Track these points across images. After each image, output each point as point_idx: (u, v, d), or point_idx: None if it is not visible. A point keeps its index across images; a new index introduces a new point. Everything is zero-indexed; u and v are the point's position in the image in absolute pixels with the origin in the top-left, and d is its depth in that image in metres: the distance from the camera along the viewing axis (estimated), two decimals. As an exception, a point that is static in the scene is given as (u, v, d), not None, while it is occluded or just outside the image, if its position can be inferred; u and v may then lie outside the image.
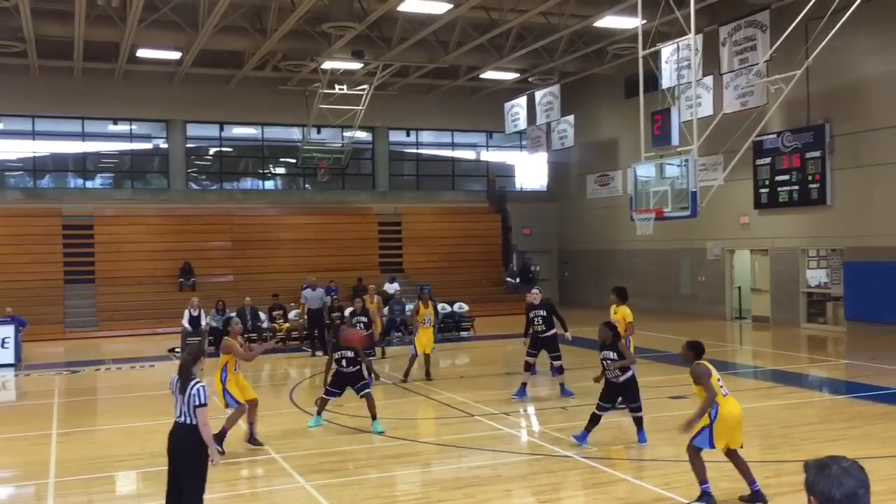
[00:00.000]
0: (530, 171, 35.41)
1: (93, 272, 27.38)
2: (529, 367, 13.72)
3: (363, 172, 33.32)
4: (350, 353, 11.16)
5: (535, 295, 13.82)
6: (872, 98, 20.56)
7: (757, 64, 19.42)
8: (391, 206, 31.95)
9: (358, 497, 8.24)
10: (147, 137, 31.09)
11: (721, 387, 7.75)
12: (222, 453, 9.16)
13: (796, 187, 22.51)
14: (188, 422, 6.74)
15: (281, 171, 33.06)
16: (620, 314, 12.48)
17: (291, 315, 22.45)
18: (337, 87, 27.47)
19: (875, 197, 20.49)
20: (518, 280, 30.16)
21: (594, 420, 10.04)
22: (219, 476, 9.08)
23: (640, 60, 18.91)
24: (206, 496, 8.33)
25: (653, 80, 20.53)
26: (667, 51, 20.72)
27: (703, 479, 7.68)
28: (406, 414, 12.52)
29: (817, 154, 21.82)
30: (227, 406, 10.31)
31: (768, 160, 23.21)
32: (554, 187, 34.86)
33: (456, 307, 24.12)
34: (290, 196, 31.98)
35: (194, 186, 31.20)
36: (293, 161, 31.60)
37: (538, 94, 28.46)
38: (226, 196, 30.94)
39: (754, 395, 13.66)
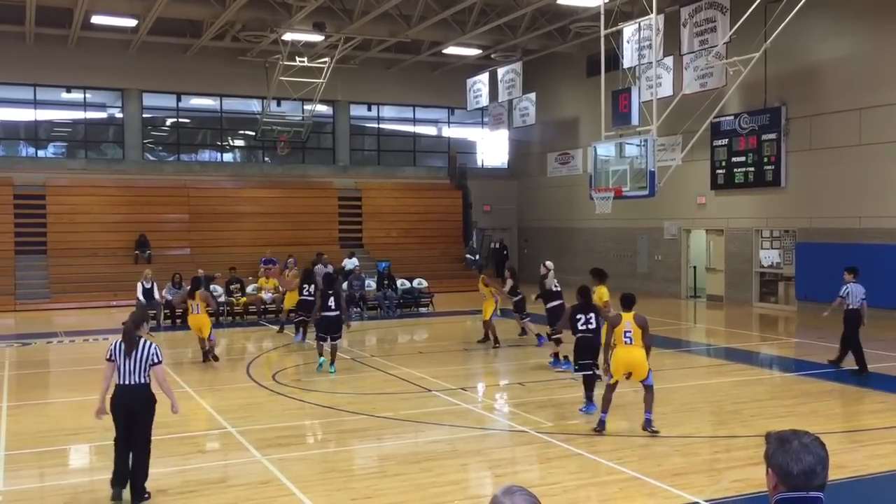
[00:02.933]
0: (491, 148, 35.44)
1: (45, 243, 26.83)
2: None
3: (323, 146, 33.04)
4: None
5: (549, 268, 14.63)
6: (827, 82, 20.91)
7: (716, 46, 19.60)
8: (351, 181, 31.76)
9: (314, 471, 8.25)
10: (102, 106, 30.43)
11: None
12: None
13: (752, 169, 22.86)
14: (142, 381, 7.21)
15: (240, 143, 32.62)
16: (598, 294, 12.70)
17: (250, 289, 22.27)
18: (297, 59, 27.12)
19: (827, 180, 20.90)
20: (477, 257, 30.28)
21: (589, 381, 10.57)
22: (174, 450, 9.04)
23: (602, 39, 18.99)
24: (161, 471, 8.30)
25: (614, 59, 20.65)
26: (628, 30, 20.83)
27: (603, 409, 9.50)
28: (364, 389, 12.54)
29: (773, 136, 22.16)
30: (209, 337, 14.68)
31: (725, 141, 23.52)
32: (515, 165, 34.94)
33: (415, 283, 24.15)
34: (249, 169, 31.61)
35: (150, 157, 30.66)
36: (252, 133, 31.19)
37: (500, 71, 28.43)
38: (183, 168, 30.46)
39: (707, 372, 13.94)
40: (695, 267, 26.13)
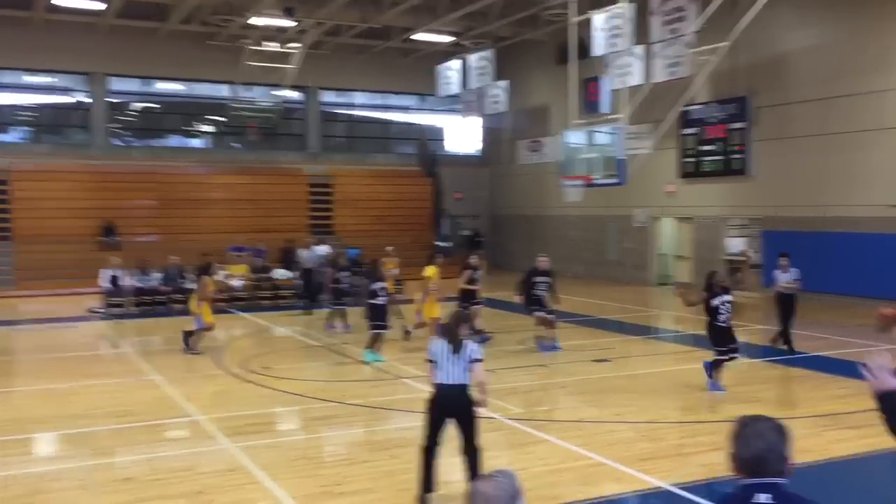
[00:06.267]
0: (462, 136, 35.39)
1: (9, 230, 26.39)
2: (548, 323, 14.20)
3: (294, 133, 32.79)
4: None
5: (543, 261, 14.61)
6: (793, 71, 21.13)
7: (686, 35, 19.70)
8: (322, 168, 31.57)
9: (284, 458, 8.24)
10: (67, 90, 29.91)
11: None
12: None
13: (720, 157, 23.08)
14: (464, 382, 6.82)
15: (209, 129, 32.26)
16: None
17: (220, 277, 22.03)
18: (268, 44, 26.85)
19: (793, 169, 21.16)
20: (450, 244, 30.27)
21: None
22: (142, 438, 8.99)
23: (573, 27, 19.03)
24: (128, 459, 8.25)
25: (585, 47, 20.68)
26: (599, 18, 20.83)
27: None
28: (334, 376, 12.53)
29: (741, 125, 22.38)
30: (196, 325, 14.43)
31: (694, 130, 23.72)
32: (486, 152, 34.95)
33: (386, 270, 24.10)
34: (218, 155, 31.29)
35: (118, 142, 30.23)
36: (222, 119, 30.87)
37: (471, 58, 28.32)
38: (151, 153, 30.07)
39: (675, 358, 14.11)
40: (663, 254, 26.38)
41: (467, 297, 15.43)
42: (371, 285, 13.60)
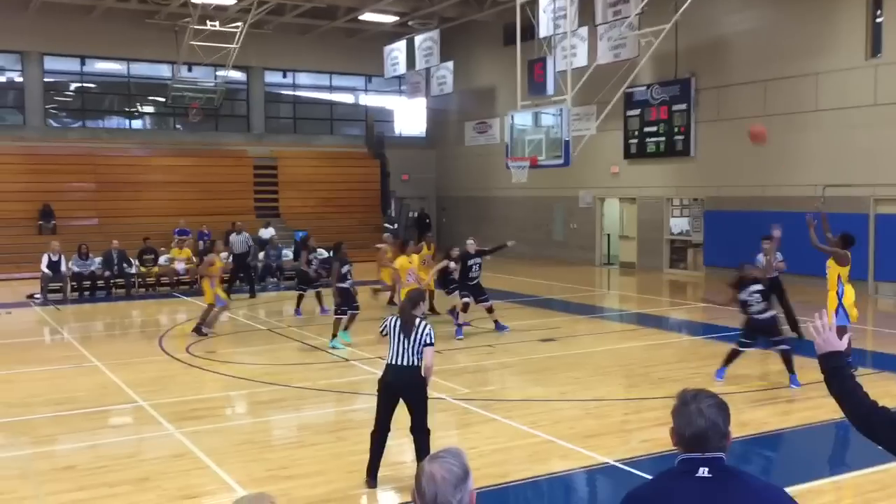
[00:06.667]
0: (409, 117, 35.26)
1: (-59, 214, 25.51)
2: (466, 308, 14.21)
3: (237, 114, 32.26)
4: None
5: (471, 245, 14.49)
6: (734, 54, 21.51)
7: (629, 17, 19.90)
8: (267, 150, 31.15)
9: (230, 442, 8.16)
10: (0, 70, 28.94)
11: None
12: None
13: (663, 139, 23.43)
14: (415, 364, 6.83)
15: (149, 109, 31.52)
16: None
17: (163, 260, 21.69)
18: (209, 23, 26.31)
19: (734, 150, 21.57)
20: (396, 226, 30.21)
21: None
22: (84, 425, 8.82)
23: (518, 8, 19.06)
24: (70, 446, 8.10)
25: (531, 29, 20.75)
26: (544, 0, 20.93)
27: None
28: (280, 360, 12.44)
29: (683, 107, 22.73)
30: (216, 304, 14.45)
31: (638, 111, 24.00)
32: (433, 133, 34.89)
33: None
34: (159, 136, 30.62)
35: (54, 124, 29.37)
36: (162, 100, 30.19)
37: (418, 39, 28.21)
38: (89, 135, 29.28)
39: (620, 337, 14.33)
40: (608, 235, 26.73)
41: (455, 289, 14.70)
42: (340, 268, 13.38)
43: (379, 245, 17.66)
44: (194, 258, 21.12)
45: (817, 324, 3.24)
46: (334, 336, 13.02)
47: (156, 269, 21.25)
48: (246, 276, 20.15)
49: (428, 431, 6.89)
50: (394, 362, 6.87)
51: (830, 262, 11.29)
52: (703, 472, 2.65)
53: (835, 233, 11.99)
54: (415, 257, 14.80)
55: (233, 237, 20.29)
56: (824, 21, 19.35)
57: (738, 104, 21.34)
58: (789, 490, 2.80)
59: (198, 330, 14.28)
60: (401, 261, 14.57)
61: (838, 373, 3.16)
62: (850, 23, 18.81)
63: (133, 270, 20.85)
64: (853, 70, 18.69)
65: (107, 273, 20.33)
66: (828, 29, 19.28)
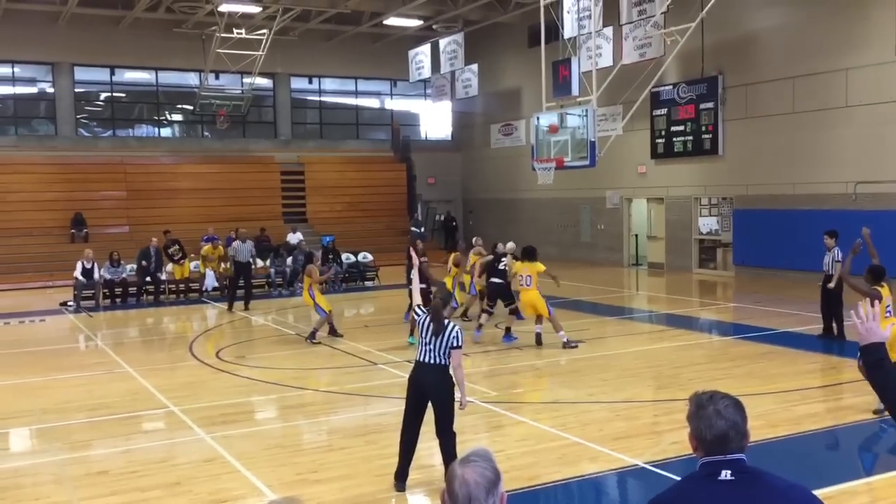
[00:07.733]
0: (435, 120, 35.32)
1: (-24, 224, 25.97)
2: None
3: (264, 120, 32.52)
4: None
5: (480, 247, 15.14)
6: (761, 51, 21.28)
7: (654, 16, 19.76)
8: (294, 155, 31.37)
9: (260, 447, 8.22)
10: (31, 81, 29.43)
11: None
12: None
13: (690, 138, 23.24)
14: (443, 363, 6.80)
15: (178, 118, 31.89)
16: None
17: (193, 266, 21.88)
18: (235, 31, 26.55)
19: (762, 147, 21.36)
20: (423, 230, 30.25)
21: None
22: (117, 430, 8.92)
23: (542, 10, 19.01)
24: (103, 452, 8.20)
25: (555, 29, 20.68)
26: (568, 0, 20.85)
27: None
28: (309, 364, 12.50)
29: (710, 105, 22.53)
30: (317, 312, 14.38)
31: (664, 111, 23.83)
32: (458, 136, 34.91)
33: (360, 257, 24.08)
34: (188, 144, 30.96)
35: (84, 133, 29.81)
36: (190, 108, 30.53)
37: (442, 43, 28.24)
38: (119, 143, 29.70)
39: (648, 338, 14.23)
40: (636, 235, 26.55)
41: (499, 295, 14.31)
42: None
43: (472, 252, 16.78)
44: (225, 264, 21.17)
45: (860, 312, 3.13)
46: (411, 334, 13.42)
47: (186, 263, 21.42)
48: (246, 285, 18.89)
49: (454, 434, 6.87)
50: (422, 360, 6.88)
51: None
52: (726, 474, 2.62)
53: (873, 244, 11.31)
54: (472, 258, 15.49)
55: (237, 244, 18.90)
56: (854, 16, 19.08)
57: (767, 101, 21.11)
58: (822, 492, 2.76)
59: (333, 333, 14.46)
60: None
61: (881, 364, 3.07)
62: (881, 17, 18.53)
63: (164, 277, 21.04)
64: (884, 65, 18.40)
65: (145, 264, 20.28)
66: (858, 24, 19.01)
